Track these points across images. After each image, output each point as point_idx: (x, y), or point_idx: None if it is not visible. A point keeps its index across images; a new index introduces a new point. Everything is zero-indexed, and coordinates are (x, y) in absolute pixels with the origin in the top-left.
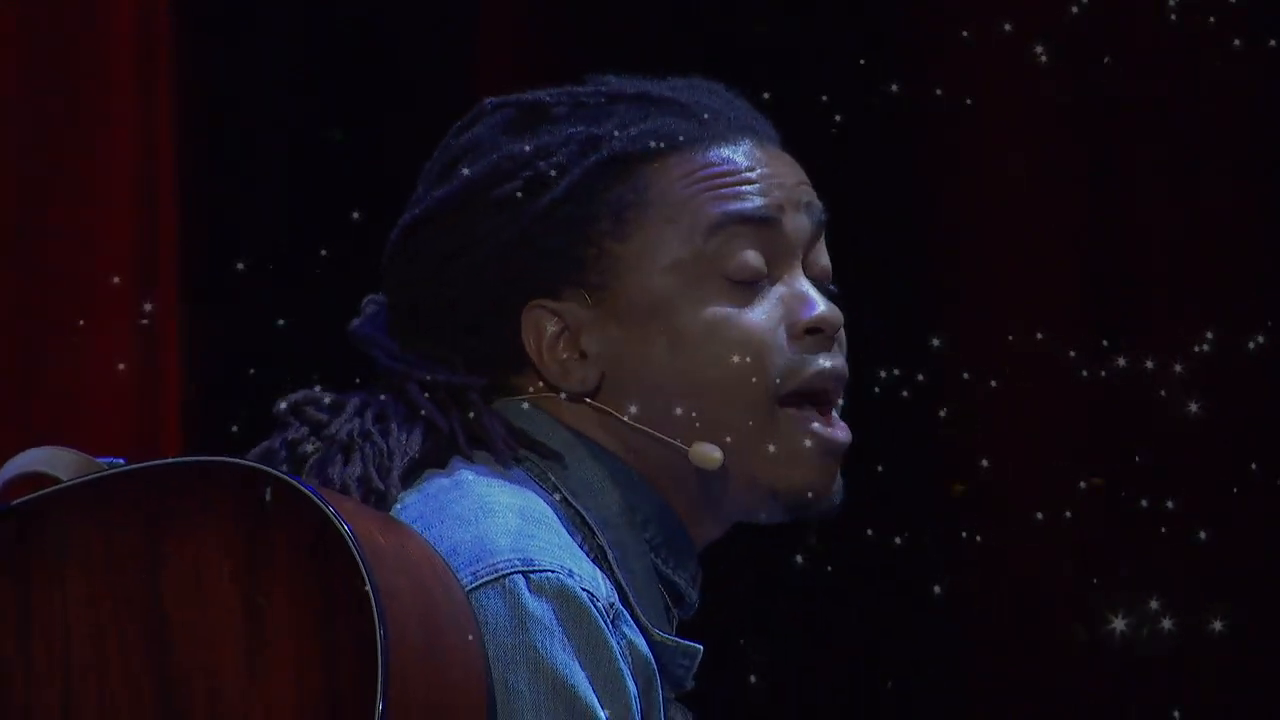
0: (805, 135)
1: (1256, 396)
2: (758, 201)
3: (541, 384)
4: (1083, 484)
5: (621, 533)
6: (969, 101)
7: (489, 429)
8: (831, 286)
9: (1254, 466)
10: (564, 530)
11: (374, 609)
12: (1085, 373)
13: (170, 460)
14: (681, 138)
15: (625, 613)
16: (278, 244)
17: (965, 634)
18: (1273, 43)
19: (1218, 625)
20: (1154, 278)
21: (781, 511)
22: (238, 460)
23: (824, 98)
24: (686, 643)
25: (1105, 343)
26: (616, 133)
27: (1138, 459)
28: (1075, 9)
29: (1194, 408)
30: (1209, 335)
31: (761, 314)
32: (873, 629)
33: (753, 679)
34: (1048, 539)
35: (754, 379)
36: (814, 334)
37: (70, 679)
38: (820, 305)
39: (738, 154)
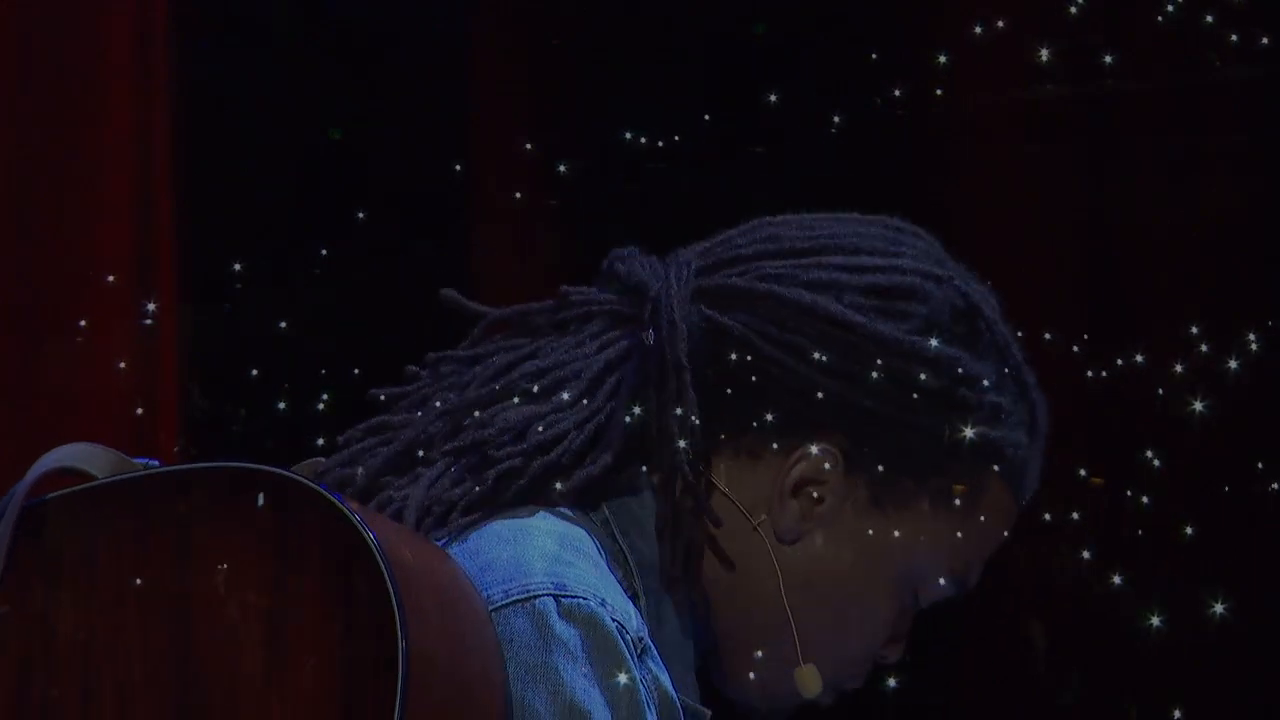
0: (805, 135)
1: (1256, 396)
2: (973, 580)
3: (737, 477)
4: (1083, 478)
5: (659, 582)
6: (969, 102)
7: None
8: None
9: (1255, 466)
10: (604, 563)
11: (397, 624)
12: (1086, 373)
13: (203, 464)
14: (1020, 471)
15: (653, 648)
16: (278, 244)
17: (965, 634)
18: (1272, 42)
19: (1217, 625)
20: (1154, 278)
21: (739, 702)
22: (266, 467)
23: (824, 98)
24: (696, 706)
25: (1105, 343)
26: (1011, 431)
27: (1138, 459)
28: (1075, 9)
29: (1194, 408)
30: (1209, 335)
31: (888, 635)
32: None
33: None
34: (1048, 539)
35: (836, 665)
36: (888, 647)
37: (90, 676)
38: (908, 629)
39: (1011, 513)
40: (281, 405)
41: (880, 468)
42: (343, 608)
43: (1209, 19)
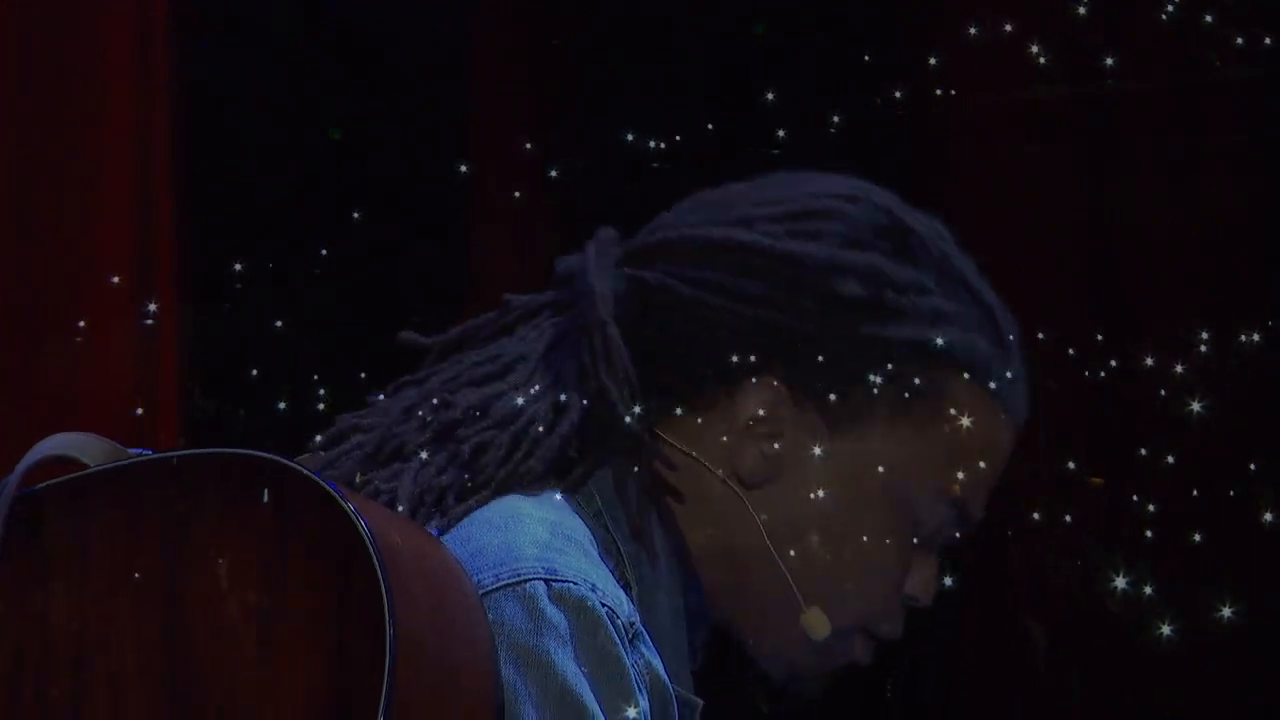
0: (805, 135)
1: (1257, 396)
2: (975, 512)
3: (698, 435)
4: (1083, 477)
5: (652, 572)
6: (969, 102)
7: (628, 478)
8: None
9: (1255, 466)
10: (595, 551)
11: (385, 608)
12: (1085, 373)
13: (195, 450)
14: (992, 377)
15: (645, 634)
16: (278, 244)
17: (965, 634)
18: (1272, 42)
19: (1217, 625)
20: (1154, 278)
21: (768, 670)
22: (261, 454)
23: (824, 98)
24: (688, 695)
25: (1105, 343)
26: (959, 327)
27: (1138, 459)
28: (1075, 9)
29: (1194, 407)
30: (1209, 335)
31: (904, 572)
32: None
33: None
34: (1048, 539)
35: (855, 605)
36: (910, 600)
37: (83, 663)
38: (933, 584)
39: (1006, 435)
40: (281, 405)
41: (827, 391)
42: (332, 592)
43: (1209, 19)
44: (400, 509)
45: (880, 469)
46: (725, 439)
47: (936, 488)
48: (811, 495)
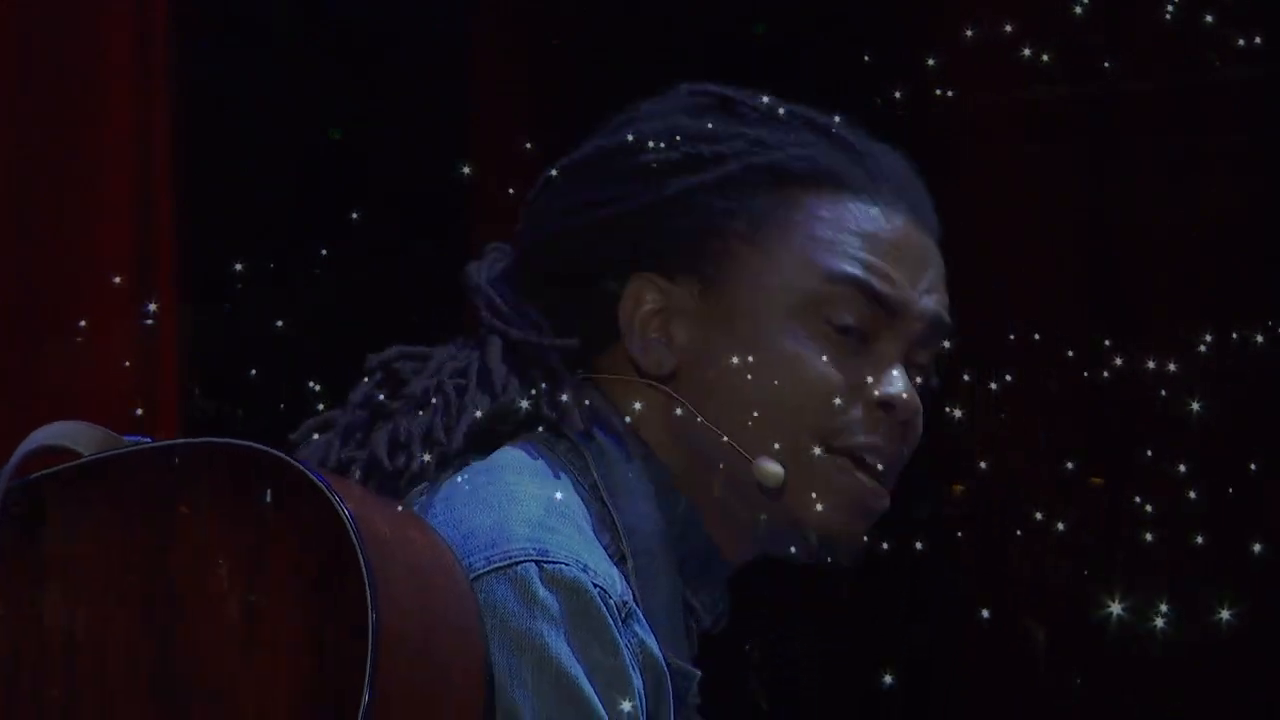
0: None
1: (1257, 396)
2: (892, 278)
3: (621, 363)
4: (1082, 480)
5: (649, 541)
6: (969, 102)
7: (563, 400)
8: (935, 381)
9: (1253, 466)
10: (589, 528)
11: (367, 593)
12: (1085, 373)
13: (183, 440)
14: (845, 181)
15: (639, 612)
16: (278, 244)
17: (965, 634)
18: (1272, 42)
19: (1217, 625)
20: (1154, 278)
21: (802, 550)
22: (244, 442)
23: (824, 98)
24: (685, 666)
25: (1105, 343)
26: (788, 147)
27: (1138, 459)
28: (1075, 9)
29: (1194, 407)
30: (1209, 335)
31: (845, 371)
32: (872, 629)
33: (752, 680)
34: (1048, 539)
35: (811, 424)
36: (885, 409)
37: (74, 651)
38: (903, 388)
39: (890, 223)
40: (281, 405)
41: (686, 256)
42: (315, 580)
43: (1209, 19)
44: (382, 457)
45: (761, 296)
46: (631, 348)
47: (820, 277)
48: (724, 358)
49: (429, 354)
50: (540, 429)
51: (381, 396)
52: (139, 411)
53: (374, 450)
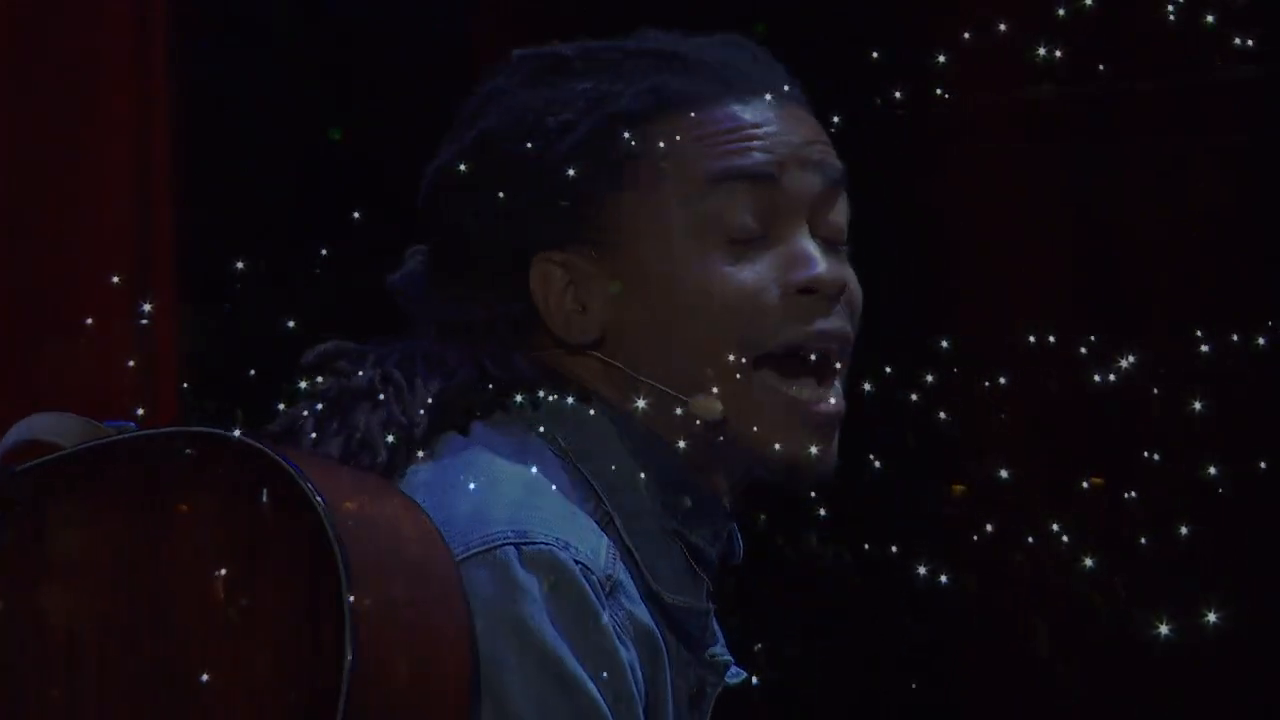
0: None
1: (1257, 396)
2: (757, 158)
3: (552, 341)
4: (1083, 484)
5: (632, 495)
6: (969, 102)
7: (516, 367)
8: (843, 247)
9: (1255, 466)
10: (572, 499)
11: (343, 581)
12: (1085, 373)
13: (161, 430)
14: (689, 96)
15: (628, 583)
16: (278, 244)
17: (965, 633)
18: (1272, 42)
19: (1217, 625)
20: (1154, 278)
21: (771, 476)
22: (222, 431)
23: (824, 98)
24: (694, 603)
25: (1105, 343)
26: (625, 90)
27: (1137, 459)
28: (1075, 9)
29: (1194, 407)
30: (1209, 335)
31: (753, 272)
32: (872, 628)
33: (754, 680)
34: (1047, 539)
35: (738, 336)
36: (809, 294)
37: (56, 643)
38: (819, 265)
39: (746, 112)
40: (280, 406)
41: (572, 223)
42: (296, 566)
43: (1209, 19)
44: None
45: (649, 238)
46: (554, 328)
47: (695, 191)
48: (632, 307)
49: (365, 351)
50: (500, 407)
51: (332, 393)
52: (139, 411)
53: (335, 448)
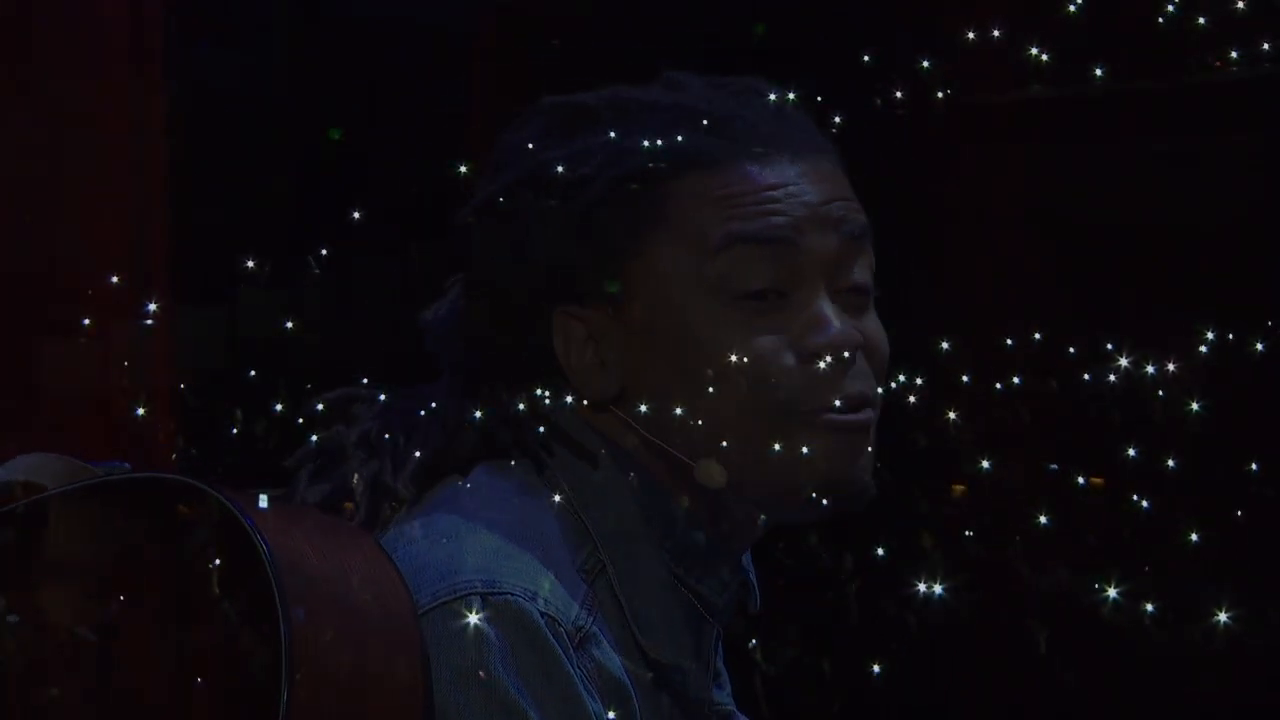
0: None
1: (1257, 396)
2: (773, 222)
3: (571, 390)
4: (1083, 482)
5: (631, 546)
6: (969, 102)
7: (519, 420)
8: (869, 296)
9: (1255, 466)
10: (558, 548)
11: (282, 631)
12: (1085, 373)
13: (129, 475)
14: (708, 156)
15: (601, 634)
16: (278, 244)
17: (965, 633)
18: (1272, 42)
19: (1217, 625)
20: (1153, 277)
21: (814, 508)
22: (182, 478)
23: (824, 98)
24: (680, 658)
25: (1105, 343)
26: (645, 145)
27: (1138, 459)
28: (1075, 9)
29: (1194, 407)
30: (1209, 335)
31: (770, 336)
32: (873, 628)
33: (756, 679)
34: (1048, 539)
35: (754, 401)
36: (816, 359)
37: (22, 685)
38: (832, 328)
39: (765, 173)
40: (279, 407)
41: (591, 280)
42: (243, 613)
43: (1209, 19)
44: (361, 495)
45: (665, 296)
46: (574, 381)
47: (709, 253)
48: (651, 366)
49: (374, 398)
50: (506, 454)
51: (331, 445)
52: (139, 411)
53: (315, 496)
